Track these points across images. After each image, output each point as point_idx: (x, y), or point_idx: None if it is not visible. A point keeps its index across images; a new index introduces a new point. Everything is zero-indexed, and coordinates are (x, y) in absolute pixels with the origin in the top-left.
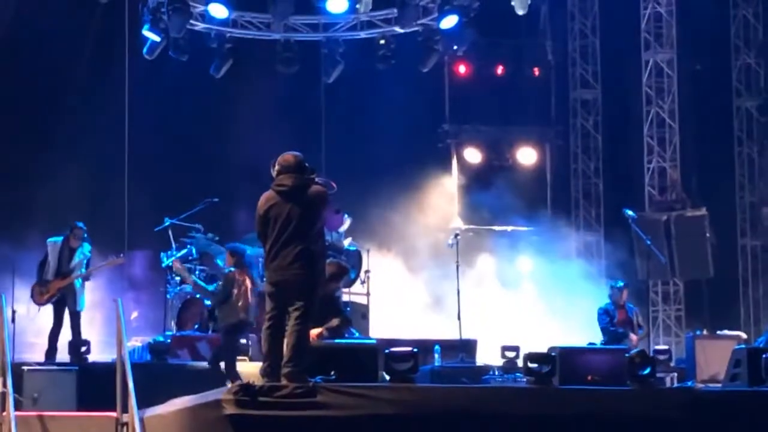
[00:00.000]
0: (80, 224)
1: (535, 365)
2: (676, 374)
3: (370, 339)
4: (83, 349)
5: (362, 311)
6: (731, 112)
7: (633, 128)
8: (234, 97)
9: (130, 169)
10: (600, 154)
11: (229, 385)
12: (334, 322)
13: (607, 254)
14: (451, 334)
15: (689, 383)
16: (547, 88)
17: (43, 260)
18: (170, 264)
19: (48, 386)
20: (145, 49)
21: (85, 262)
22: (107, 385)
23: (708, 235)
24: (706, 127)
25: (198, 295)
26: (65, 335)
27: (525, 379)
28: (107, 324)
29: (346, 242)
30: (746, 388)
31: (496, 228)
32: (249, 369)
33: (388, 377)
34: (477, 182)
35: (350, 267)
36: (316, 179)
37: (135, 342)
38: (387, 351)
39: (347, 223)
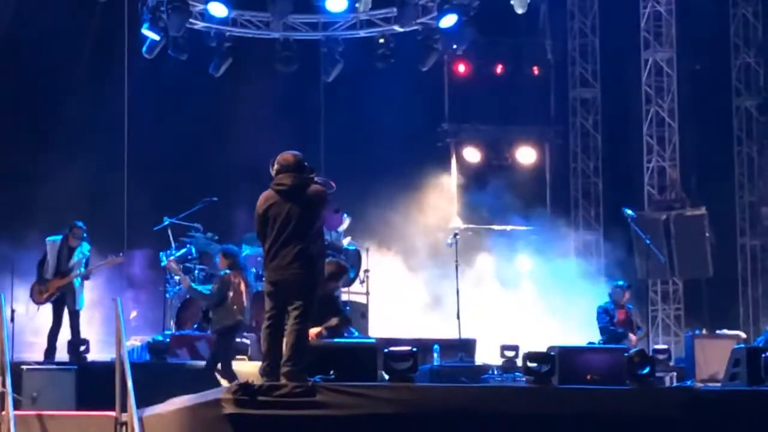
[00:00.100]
0: (79, 223)
1: (534, 364)
2: (675, 373)
3: (370, 338)
4: (82, 348)
5: (361, 310)
6: (731, 111)
7: (632, 127)
8: (233, 96)
9: (130, 168)
10: (599, 153)
11: (226, 384)
12: (333, 321)
13: (607, 253)
14: (450, 333)
15: (688, 382)
16: (547, 87)
17: (42, 259)
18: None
19: (47, 385)
20: (144, 48)
21: (84, 261)
22: (106, 384)
23: (707, 234)
24: (706, 126)
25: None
26: (64, 334)
27: (524, 379)
28: (106, 323)
29: (346, 241)
30: (745, 388)
31: (496, 227)
32: (248, 368)
33: (387, 376)
34: (476, 181)
35: (349, 266)
36: (315, 178)
37: (134, 341)
38: (386, 350)
39: (346, 222)
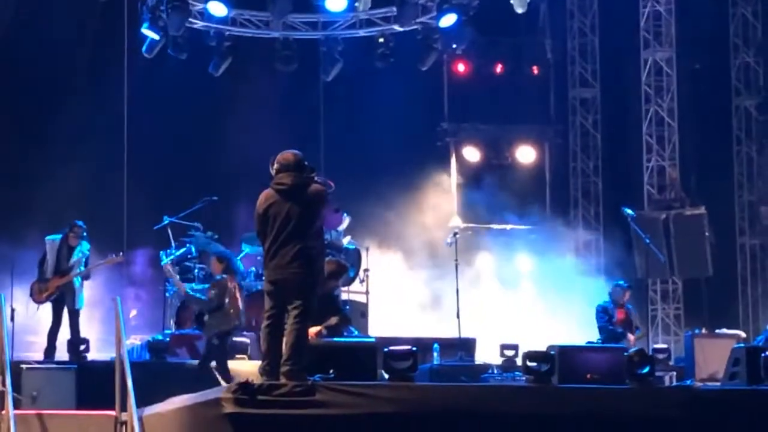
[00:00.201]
0: (79, 223)
1: (534, 364)
2: (675, 373)
3: (369, 337)
4: (82, 347)
5: (361, 310)
6: (730, 110)
7: (632, 127)
8: (233, 95)
9: (129, 167)
10: (599, 152)
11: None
12: (333, 320)
13: (606, 253)
14: (450, 332)
15: (688, 382)
16: (546, 86)
17: (42, 258)
18: (167, 262)
19: (47, 385)
20: (144, 48)
21: (83, 260)
22: (106, 383)
23: (707, 233)
24: (705, 125)
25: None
26: (64, 334)
27: (524, 378)
28: (106, 322)
29: (345, 241)
30: (745, 387)
31: (495, 226)
32: (248, 368)
33: (387, 376)
34: (476, 181)
35: (349, 265)
36: (315, 178)
37: (134, 340)
38: (386, 349)
39: (346, 221)
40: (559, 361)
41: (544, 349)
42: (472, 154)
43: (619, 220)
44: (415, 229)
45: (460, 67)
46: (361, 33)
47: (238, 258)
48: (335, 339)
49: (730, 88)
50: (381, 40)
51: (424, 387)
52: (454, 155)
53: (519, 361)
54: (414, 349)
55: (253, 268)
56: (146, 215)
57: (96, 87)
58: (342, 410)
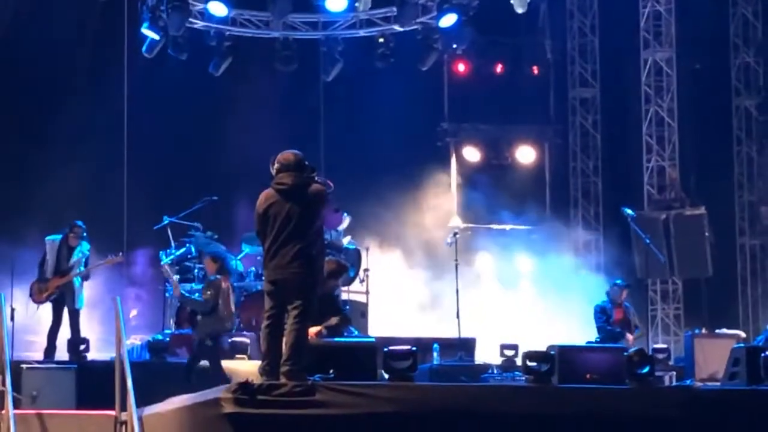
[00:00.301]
0: (79, 223)
1: (533, 364)
2: (674, 373)
3: (369, 337)
4: (82, 347)
5: (361, 309)
6: (730, 111)
7: (632, 127)
8: (233, 95)
9: (129, 167)
10: (599, 152)
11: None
12: (333, 320)
13: (606, 253)
14: (449, 332)
15: (688, 382)
16: (546, 86)
17: (42, 259)
18: (167, 262)
19: (47, 384)
20: (144, 48)
21: (83, 260)
22: (106, 383)
23: (707, 234)
24: (705, 126)
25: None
26: (64, 333)
27: (524, 378)
28: (106, 322)
29: (345, 241)
30: (745, 387)
31: (495, 227)
32: (247, 367)
33: (386, 376)
34: (476, 181)
35: (349, 265)
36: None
37: (134, 340)
38: (386, 349)
39: (346, 221)
40: (558, 361)
41: (543, 349)
42: (472, 154)
43: (619, 220)
44: (415, 229)
45: (460, 67)
46: (362, 33)
47: (238, 258)
48: (335, 339)
49: (730, 88)
50: (381, 40)
51: (424, 387)
52: (454, 155)
53: (519, 361)
54: (414, 349)
55: (253, 268)
56: (146, 215)
57: (96, 87)
58: (342, 410)
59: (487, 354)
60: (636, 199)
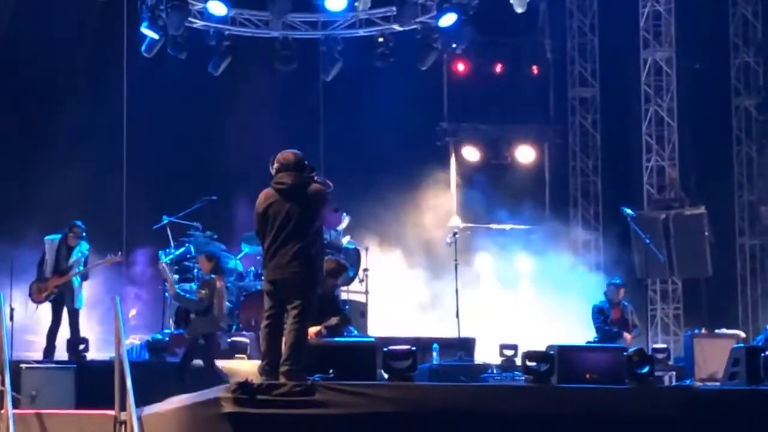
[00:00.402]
0: (78, 223)
1: (533, 363)
2: (674, 373)
3: (369, 337)
4: (81, 347)
5: (361, 309)
6: (730, 110)
7: (631, 126)
8: (232, 94)
9: (129, 167)
10: (598, 152)
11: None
12: (333, 320)
13: (606, 252)
14: (449, 332)
15: (687, 382)
16: (546, 86)
17: (41, 258)
18: (166, 263)
19: (46, 384)
20: (143, 47)
21: (83, 260)
22: (105, 383)
23: (707, 233)
24: (705, 125)
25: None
26: (63, 333)
27: (523, 378)
28: (105, 322)
29: (345, 240)
30: (745, 387)
31: (495, 226)
32: (247, 367)
33: (386, 375)
34: (475, 180)
35: (349, 265)
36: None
37: (133, 340)
38: (385, 349)
39: (346, 221)
40: (558, 360)
41: (543, 348)
42: (471, 153)
43: (619, 220)
44: (414, 229)
45: (460, 67)
46: (361, 32)
47: (238, 257)
48: (334, 339)
49: (730, 88)
50: (381, 39)
51: (424, 387)
52: (453, 155)
53: (518, 361)
54: (413, 348)
55: (253, 268)
56: (146, 215)
57: (96, 87)
58: (341, 410)
59: (486, 354)
60: (636, 198)
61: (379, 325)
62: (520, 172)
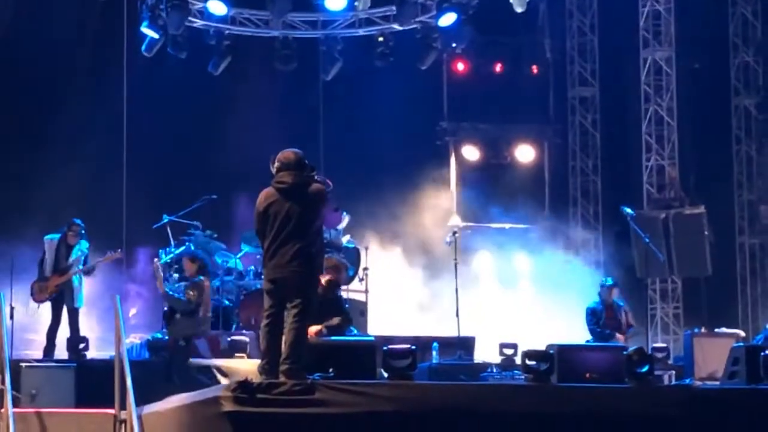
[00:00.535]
0: (77, 221)
1: (533, 363)
2: (674, 372)
3: (369, 336)
4: (81, 345)
5: (360, 308)
6: (730, 110)
7: (631, 126)
8: (232, 94)
9: (129, 167)
10: (598, 151)
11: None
12: (335, 320)
13: (605, 252)
14: (449, 331)
15: (687, 381)
16: (546, 85)
17: (42, 258)
18: (167, 261)
19: (46, 383)
20: (143, 46)
21: (82, 258)
22: (105, 382)
23: (706, 233)
24: (705, 125)
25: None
26: (63, 332)
27: (523, 377)
28: (105, 321)
29: (345, 239)
30: (744, 386)
31: (494, 226)
32: (247, 366)
33: (386, 374)
34: (475, 180)
35: (349, 264)
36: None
37: (133, 339)
38: (385, 348)
39: (346, 220)
40: (558, 359)
41: (543, 347)
42: (471, 153)
43: (619, 220)
44: (414, 228)
45: (460, 67)
46: (361, 32)
47: (237, 256)
48: (334, 338)
49: (730, 88)
50: (380, 39)
51: (424, 386)
52: (453, 154)
53: (518, 360)
54: (413, 347)
55: (252, 267)
56: (146, 214)
57: (96, 86)
58: (341, 409)
59: (486, 353)
60: (635, 198)
61: (378, 324)
62: (519, 171)
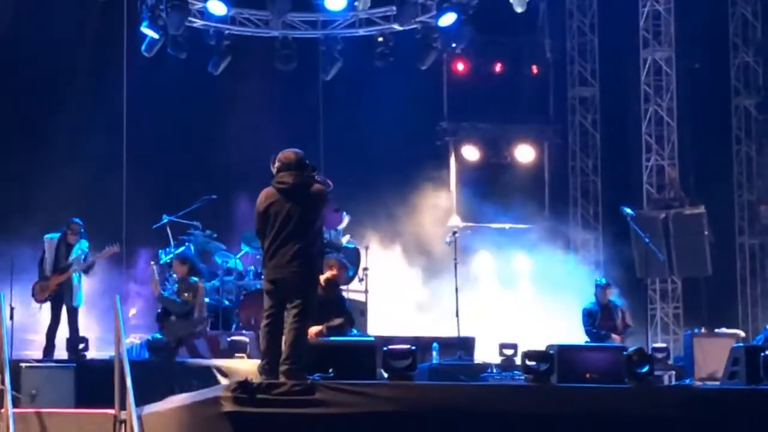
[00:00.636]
0: (77, 220)
1: (533, 363)
2: (674, 372)
3: (369, 336)
4: (81, 345)
5: (360, 308)
6: (729, 110)
7: (631, 126)
8: (232, 94)
9: (129, 166)
10: (598, 151)
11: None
12: (337, 321)
13: (605, 252)
14: (449, 331)
15: (687, 381)
16: (546, 85)
17: (42, 257)
18: (167, 261)
19: (46, 383)
20: (143, 47)
21: (82, 257)
22: (105, 382)
23: (706, 233)
24: (705, 125)
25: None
26: (63, 332)
27: (523, 377)
28: (105, 321)
29: (345, 240)
30: (744, 386)
31: (494, 226)
32: (247, 366)
33: (386, 375)
34: (475, 180)
35: (349, 264)
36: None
37: (133, 339)
38: (385, 348)
39: (346, 220)
40: (558, 360)
41: (543, 348)
42: (471, 153)
43: (618, 220)
44: (414, 228)
45: (460, 67)
46: (361, 32)
47: (237, 256)
48: (334, 338)
49: (730, 88)
50: (380, 39)
51: (424, 386)
52: (453, 154)
53: (518, 360)
54: (413, 348)
55: (252, 267)
56: (145, 214)
57: (96, 86)
58: (341, 409)
59: (486, 353)
60: (635, 198)
61: (378, 325)
62: (519, 171)
